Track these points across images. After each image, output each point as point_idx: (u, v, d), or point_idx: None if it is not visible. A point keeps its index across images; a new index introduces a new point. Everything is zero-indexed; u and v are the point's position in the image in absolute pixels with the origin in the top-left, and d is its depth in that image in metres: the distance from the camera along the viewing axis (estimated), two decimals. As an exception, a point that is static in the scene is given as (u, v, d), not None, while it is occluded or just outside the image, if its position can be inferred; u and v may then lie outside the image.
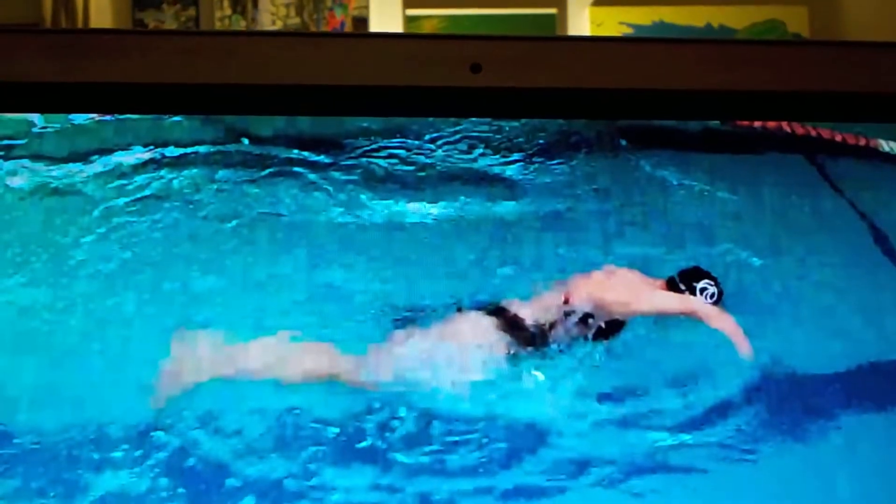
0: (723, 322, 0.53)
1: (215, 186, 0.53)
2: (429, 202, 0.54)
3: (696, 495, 0.48)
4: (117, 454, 0.45)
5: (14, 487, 0.43)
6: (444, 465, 0.47)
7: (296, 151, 0.54)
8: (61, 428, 0.45)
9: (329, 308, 0.51)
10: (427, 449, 0.47)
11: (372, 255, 0.52)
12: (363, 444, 0.47)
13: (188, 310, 0.49)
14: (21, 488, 0.43)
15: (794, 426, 0.51)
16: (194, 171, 0.53)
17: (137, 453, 0.45)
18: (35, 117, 0.50)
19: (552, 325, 0.53)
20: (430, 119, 0.53)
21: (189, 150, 0.53)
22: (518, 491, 0.47)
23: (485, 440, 0.48)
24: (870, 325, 0.55)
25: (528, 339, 0.52)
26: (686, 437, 0.50)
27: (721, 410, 0.51)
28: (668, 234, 0.56)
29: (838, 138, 0.59)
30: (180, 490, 0.44)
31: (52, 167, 0.52)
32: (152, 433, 0.46)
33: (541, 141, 0.56)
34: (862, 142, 0.59)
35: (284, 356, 0.48)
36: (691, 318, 0.54)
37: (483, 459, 0.47)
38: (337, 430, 0.47)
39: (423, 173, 0.54)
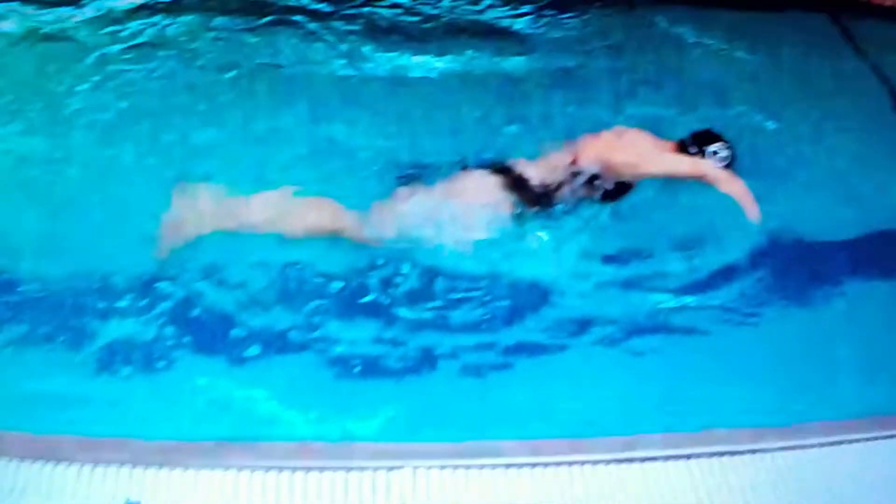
0: (733, 186, 0.52)
1: (212, 34, 0.51)
2: (434, 56, 0.52)
3: (695, 356, 0.49)
4: (123, 303, 0.46)
5: (21, 333, 0.44)
6: (447, 320, 0.48)
7: (295, -2, 0.52)
8: (66, 276, 0.46)
9: (332, 163, 0.50)
10: (430, 305, 0.48)
11: (375, 110, 0.51)
12: (366, 298, 0.48)
13: (188, 162, 0.49)
14: (29, 334, 0.44)
15: (799, 292, 0.51)
16: (189, 17, 0.51)
17: (143, 303, 0.46)
18: (22, -42, 0.48)
19: (559, 186, 0.52)
20: (437, -34, 0.50)
21: (183, -7, 0.51)
22: (519, 347, 0.48)
23: (487, 298, 0.48)
24: (882, 192, 0.54)
25: (533, 199, 0.52)
26: (689, 300, 0.50)
27: (726, 274, 0.51)
28: (681, 94, 0.54)
29: (864, -3, 0.56)
30: (186, 339, 0.45)
31: (42, 11, 0.50)
32: (157, 284, 0.46)
33: (552, -8, 0.53)
34: (889, 2, 0.56)
35: (287, 211, 0.47)
36: (701, 182, 0.53)
37: (486, 316, 0.48)
38: (341, 284, 0.48)
39: (428, 25, 0.52)
